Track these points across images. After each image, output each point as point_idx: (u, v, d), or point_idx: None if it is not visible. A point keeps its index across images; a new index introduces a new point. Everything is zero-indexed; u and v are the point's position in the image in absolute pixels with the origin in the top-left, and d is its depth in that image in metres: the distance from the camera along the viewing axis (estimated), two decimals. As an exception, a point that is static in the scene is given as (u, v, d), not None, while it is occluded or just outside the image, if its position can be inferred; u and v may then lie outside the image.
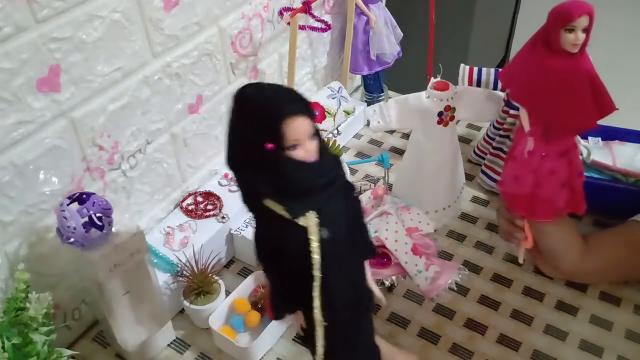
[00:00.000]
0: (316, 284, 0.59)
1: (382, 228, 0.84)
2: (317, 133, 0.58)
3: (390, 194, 1.05)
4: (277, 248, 0.60)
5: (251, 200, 0.60)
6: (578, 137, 0.89)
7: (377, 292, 0.69)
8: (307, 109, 0.57)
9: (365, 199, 0.92)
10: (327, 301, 0.61)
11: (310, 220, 0.58)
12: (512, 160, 0.83)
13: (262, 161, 0.56)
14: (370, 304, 0.68)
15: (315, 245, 0.58)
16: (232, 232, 0.96)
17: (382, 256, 0.83)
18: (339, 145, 1.10)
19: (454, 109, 0.93)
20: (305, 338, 0.66)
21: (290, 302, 0.64)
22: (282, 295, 0.64)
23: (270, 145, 0.55)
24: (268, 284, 0.66)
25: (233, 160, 0.60)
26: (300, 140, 0.56)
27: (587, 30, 0.72)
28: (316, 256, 0.58)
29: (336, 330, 0.63)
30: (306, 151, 0.57)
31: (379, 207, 0.89)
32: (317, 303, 0.60)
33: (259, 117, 0.57)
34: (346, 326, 0.65)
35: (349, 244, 0.62)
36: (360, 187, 1.01)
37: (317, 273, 0.59)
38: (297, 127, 0.55)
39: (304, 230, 0.58)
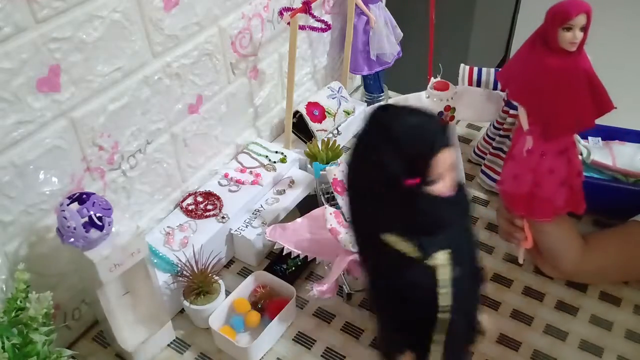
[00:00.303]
0: (442, 327, 0.53)
1: None
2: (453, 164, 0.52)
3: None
4: (395, 289, 0.54)
5: (366, 233, 0.55)
6: (577, 136, 0.89)
7: (485, 322, 0.62)
8: (450, 138, 0.51)
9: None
10: (450, 343, 0.55)
11: (439, 260, 0.51)
12: (511, 160, 0.83)
13: (395, 195, 0.50)
14: (475, 336, 0.61)
15: (445, 288, 0.51)
16: (232, 232, 0.96)
17: None
18: (338, 145, 1.09)
19: (454, 109, 0.93)
20: None
21: (403, 342, 0.57)
22: (394, 336, 0.58)
23: (411, 181, 0.49)
24: (377, 323, 0.60)
25: (358, 188, 0.54)
26: (443, 174, 0.50)
27: (584, 29, 0.72)
28: (447, 299, 0.52)
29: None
30: (445, 185, 0.51)
31: None
32: (438, 347, 0.54)
33: (406, 148, 0.49)
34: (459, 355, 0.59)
35: (472, 277, 0.56)
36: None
37: (445, 316, 0.52)
38: (445, 161, 0.50)
39: (431, 270, 0.51)
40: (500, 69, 0.86)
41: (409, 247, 0.51)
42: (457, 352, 0.59)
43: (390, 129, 0.50)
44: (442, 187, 0.51)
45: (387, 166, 0.50)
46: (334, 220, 0.86)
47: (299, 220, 0.91)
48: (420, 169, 0.49)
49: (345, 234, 0.83)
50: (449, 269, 0.52)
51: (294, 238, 0.89)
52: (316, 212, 0.91)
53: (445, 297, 0.52)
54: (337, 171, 0.93)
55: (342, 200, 0.91)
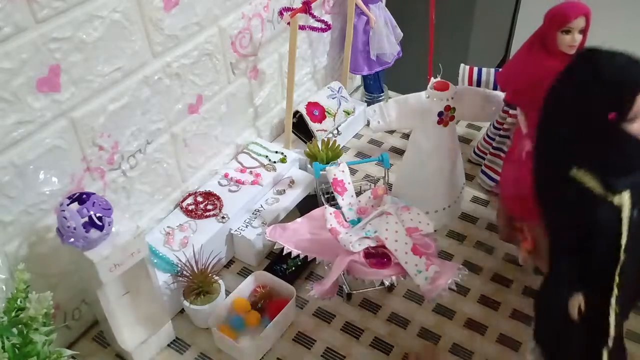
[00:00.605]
0: (618, 267, 0.54)
1: (382, 228, 0.84)
2: None
3: (390, 194, 1.05)
4: (583, 226, 0.55)
5: (555, 168, 0.57)
6: None
7: None
8: None
9: (365, 199, 0.93)
10: (624, 285, 0.55)
11: (624, 199, 0.53)
12: (510, 162, 0.82)
13: (597, 130, 0.53)
14: None
15: (626, 225, 0.53)
16: (232, 232, 0.96)
17: (382, 256, 0.83)
18: (338, 145, 1.10)
19: (454, 109, 0.93)
20: (570, 330, 0.59)
21: (577, 284, 0.58)
22: (566, 277, 0.59)
23: (613, 116, 0.52)
24: (548, 263, 0.61)
25: (554, 122, 0.56)
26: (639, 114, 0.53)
27: (583, 32, 0.72)
28: (625, 236, 0.53)
29: (622, 320, 0.58)
30: None
31: (379, 207, 0.89)
32: (615, 287, 0.55)
33: (612, 85, 0.53)
34: (625, 316, 0.60)
35: None
36: (361, 187, 1.01)
37: (622, 255, 0.54)
38: None
39: (616, 209, 0.53)
40: (499, 70, 0.86)
41: (596, 183, 0.53)
42: (628, 301, 0.59)
43: (599, 66, 0.54)
44: (638, 127, 0.53)
45: (592, 100, 0.53)
46: (334, 220, 0.85)
47: (299, 220, 0.91)
48: (623, 105, 0.52)
49: (345, 234, 0.83)
50: (629, 208, 0.53)
51: (294, 238, 0.89)
52: (316, 212, 0.90)
53: (625, 234, 0.54)
54: (337, 171, 0.93)
55: (342, 200, 0.91)
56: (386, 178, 0.97)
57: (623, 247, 0.54)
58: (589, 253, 0.56)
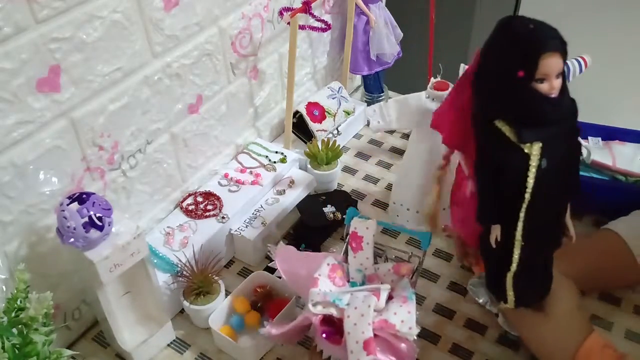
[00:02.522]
0: (524, 206, 0.66)
1: (354, 304, 0.72)
2: (562, 73, 0.63)
3: (391, 194, 1.05)
4: (497, 165, 0.66)
5: (483, 116, 0.67)
6: None
7: (571, 229, 0.73)
8: (563, 49, 0.62)
9: (384, 270, 0.81)
10: (529, 223, 0.67)
11: (534, 149, 0.64)
12: (456, 206, 0.83)
13: (509, 86, 0.63)
14: (560, 239, 0.73)
15: (533, 171, 0.64)
16: (232, 232, 0.96)
17: (339, 332, 0.72)
18: (338, 145, 1.10)
19: (454, 109, 0.93)
20: (489, 254, 0.74)
21: (496, 215, 0.69)
22: (491, 205, 0.70)
23: (521, 74, 0.61)
24: (478, 192, 0.72)
25: (481, 77, 0.67)
26: (549, 76, 0.61)
27: None
28: (531, 181, 0.64)
29: (530, 256, 0.70)
30: (551, 87, 0.62)
31: (391, 282, 0.79)
32: (520, 223, 0.67)
33: (520, 47, 0.62)
34: (539, 253, 0.71)
35: (562, 180, 0.67)
36: (386, 255, 0.85)
37: (527, 196, 0.65)
38: (551, 63, 0.61)
39: (526, 156, 0.64)
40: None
41: (512, 133, 0.64)
42: (538, 244, 0.70)
43: (511, 29, 0.64)
44: (547, 87, 0.62)
45: (505, 59, 0.63)
46: (325, 271, 0.78)
47: (312, 253, 0.85)
48: (528, 65, 0.61)
49: (319, 291, 0.74)
50: (537, 157, 0.64)
51: (288, 266, 0.82)
52: (321, 255, 0.83)
53: (531, 179, 0.64)
54: (360, 225, 0.81)
55: (353, 257, 0.81)
56: (421, 259, 0.81)
57: (528, 189, 0.64)
58: (502, 191, 0.67)
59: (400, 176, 1.03)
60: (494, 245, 0.71)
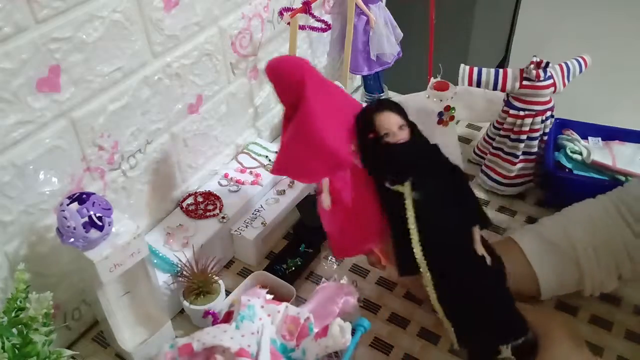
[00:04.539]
0: (414, 238, 0.71)
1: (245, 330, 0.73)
2: (410, 124, 0.75)
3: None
4: (388, 216, 0.74)
5: (376, 180, 0.76)
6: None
7: (488, 259, 0.72)
8: (395, 107, 0.75)
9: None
10: (429, 255, 0.71)
11: (405, 188, 0.71)
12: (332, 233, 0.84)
13: (370, 147, 0.75)
14: (481, 269, 0.71)
15: (408, 203, 0.71)
16: (232, 232, 0.96)
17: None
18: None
19: (454, 109, 0.93)
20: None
21: (409, 261, 0.72)
22: (402, 254, 0.73)
23: (371, 135, 0.74)
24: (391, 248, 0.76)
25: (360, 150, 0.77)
26: (390, 130, 0.73)
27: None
28: (409, 212, 0.71)
29: (449, 291, 0.72)
30: (396, 139, 0.73)
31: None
32: (416, 249, 0.71)
33: (363, 117, 0.76)
34: (458, 287, 0.71)
35: (451, 211, 0.72)
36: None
37: (411, 226, 0.71)
38: (387, 121, 0.74)
39: (401, 195, 0.71)
40: (500, 69, 0.84)
41: (385, 182, 0.73)
42: (448, 275, 0.72)
43: (365, 109, 0.78)
44: (392, 138, 0.73)
45: (362, 129, 0.76)
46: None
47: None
48: (372, 126, 0.74)
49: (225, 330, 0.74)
50: (409, 192, 0.71)
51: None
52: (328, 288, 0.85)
53: (408, 211, 0.71)
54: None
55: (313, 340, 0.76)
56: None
57: (411, 220, 0.71)
58: (393, 229, 0.74)
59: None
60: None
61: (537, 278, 0.82)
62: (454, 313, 0.72)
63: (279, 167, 0.82)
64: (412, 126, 0.75)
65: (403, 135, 0.73)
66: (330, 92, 0.80)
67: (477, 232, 0.71)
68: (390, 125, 0.73)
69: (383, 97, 0.82)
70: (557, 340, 0.71)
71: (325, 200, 0.78)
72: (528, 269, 0.82)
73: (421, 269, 0.71)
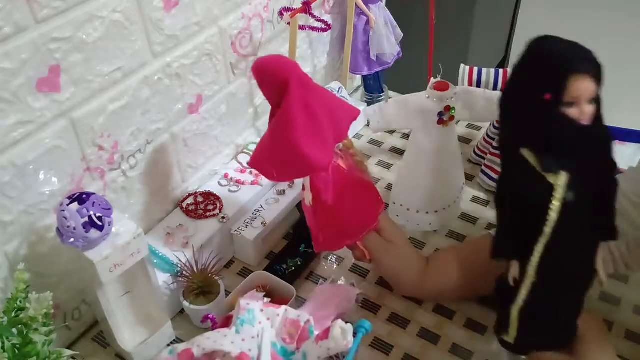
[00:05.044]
0: (542, 241, 0.60)
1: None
2: (597, 100, 0.58)
3: (391, 195, 1.05)
4: (518, 195, 0.61)
5: (509, 145, 0.63)
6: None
7: (602, 274, 0.66)
8: (597, 72, 0.57)
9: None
10: (546, 261, 0.61)
11: (559, 179, 0.59)
12: (317, 226, 0.84)
13: (535, 110, 0.58)
14: (588, 283, 0.66)
15: (556, 204, 0.59)
16: (232, 232, 0.96)
17: None
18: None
19: (454, 109, 0.93)
20: (503, 292, 0.67)
21: (514, 248, 0.64)
22: (508, 239, 0.65)
23: (548, 97, 0.56)
24: (497, 224, 0.68)
25: (506, 102, 0.63)
26: (579, 100, 0.56)
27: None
28: (554, 215, 0.59)
29: (543, 295, 0.64)
30: (581, 112, 0.57)
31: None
32: (535, 257, 0.61)
33: (547, 67, 0.57)
34: (554, 295, 0.64)
35: (591, 218, 0.62)
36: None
37: (547, 230, 0.60)
38: (581, 86, 0.56)
39: (550, 187, 0.59)
40: (500, 69, 0.85)
41: (537, 161, 0.59)
42: (555, 285, 0.64)
43: (541, 50, 0.59)
44: (576, 112, 0.57)
45: (531, 80, 0.59)
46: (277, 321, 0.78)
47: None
48: (556, 86, 0.56)
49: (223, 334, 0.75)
50: (562, 189, 0.58)
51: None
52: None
53: (554, 213, 0.59)
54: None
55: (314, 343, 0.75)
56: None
57: (550, 223, 0.60)
58: (521, 224, 0.62)
59: (400, 176, 1.03)
60: (511, 284, 0.66)
61: None
62: (534, 315, 0.67)
63: (254, 161, 0.81)
64: (598, 101, 0.58)
65: (589, 113, 0.57)
66: (317, 95, 0.77)
67: (602, 248, 0.65)
68: (584, 95, 0.56)
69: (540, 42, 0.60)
70: (598, 348, 0.70)
71: (307, 197, 0.79)
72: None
73: (529, 270, 0.63)
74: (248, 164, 0.82)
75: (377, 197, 0.86)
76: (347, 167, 0.83)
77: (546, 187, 0.59)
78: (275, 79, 0.74)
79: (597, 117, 0.58)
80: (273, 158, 0.77)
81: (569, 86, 0.55)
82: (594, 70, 0.57)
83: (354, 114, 0.81)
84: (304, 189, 0.81)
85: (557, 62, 0.57)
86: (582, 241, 0.63)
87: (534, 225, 0.61)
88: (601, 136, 0.60)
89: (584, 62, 0.56)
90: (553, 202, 0.59)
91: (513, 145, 0.62)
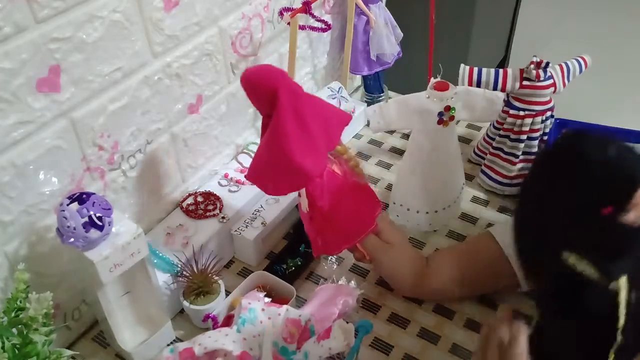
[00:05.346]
0: (615, 348, 0.55)
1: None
2: None
3: (390, 195, 1.05)
4: (570, 308, 0.56)
5: (542, 250, 0.57)
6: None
7: None
8: None
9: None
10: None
11: (621, 283, 0.53)
12: (317, 232, 0.85)
13: (587, 222, 0.53)
14: None
15: (622, 309, 0.54)
16: (232, 232, 0.96)
17: None
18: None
19: (454, 109, 0.93)
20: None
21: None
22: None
23: (608, 210, 0.52)
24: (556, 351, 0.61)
25: (537, 214, 0.57)
26: (637, 205, 0.52)
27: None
28: (622, 319, 0.54)
29: None
30: (638, 216, 0.53)
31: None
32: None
33: (607, 180, 0.52)
34: None
35: None
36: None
37: (620, 337, 0.54)
38: None
39: (612, 293, 0.53)
40: (500, 69, 0.84)
41: (591, 269, 0.53)
42: None
43: (590, 159, 0.53)
44: (633, 217, 0.52)
45: (584, 194, 0.53)
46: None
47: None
48: (620, 200, 0.51)
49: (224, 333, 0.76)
50: (626, 292, 0.53)
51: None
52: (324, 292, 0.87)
53: (621, 317, 0.54)
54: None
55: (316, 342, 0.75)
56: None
57: (620, 329, 0.54)
58: (585, 335, 0.56)
59: (400, 176, 1.03)
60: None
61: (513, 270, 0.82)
62: None
63: (251, 174, 0.82)
64: None
65: None
66: (307, 102, 0.77)
67: None
68: None
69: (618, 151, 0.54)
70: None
71: (303, 204, 0.80)
72: (503, 259, 0.83)
73: None
74: (245, 177, 0.82)
75: (374, 199, 0.86)
76: (342, 172, 0.83)
77: (608, 294, 0.54)
78: (264, 89, 0.74)
79: None
80: (267, 170, 0.77)
81: (634, 197, 0.52)
82: None
83: (345, 119, 0.81)
84: (300, 195, 0.81)
85: (621, 177, 0.52)
86: None
87: (600, 335, 0.55)
88: None
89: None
90: (619, 307, 0.54)
91: (551, 251, 0.56)
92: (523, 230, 0.59)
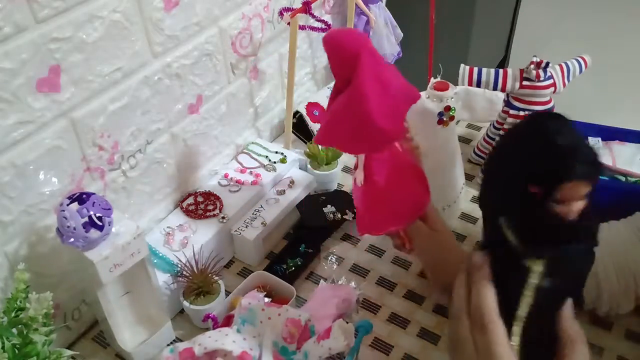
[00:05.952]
0: (518, 325, 0.57)
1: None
2: (589, 195, 0.54)
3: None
4: (496, 270, 0.59)
5: (487, 210, 0.62)
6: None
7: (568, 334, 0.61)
8: (596, 174, 0.54)
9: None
10: (525, 341, 0.58)
11: (536, 266, 0.55)
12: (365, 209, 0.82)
13: (518, 195, 0.55)
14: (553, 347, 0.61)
15: (530, 290, 0.56)
16: (232, 232, 0.96)
17: None
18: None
19: (454, 109, 0.93)
20: None
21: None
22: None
23: (535, 190, 0.53)
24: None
25: (492, 168, 0.60)
26: (571, 200, 0.54)
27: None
28: (528, 299, 0.56)
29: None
30: (569, 211, 0.54)
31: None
32: (516, 339, 0.57)
33: (543, 162, 0.53)
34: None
35: (563, 297, 0.59)
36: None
37: (522, 313, 0.57)
38: (575, 191, 0.53)
39: (526, 270, 0.55)
40: (499, 69, 0.84)
41: (515, 239, 0.56)
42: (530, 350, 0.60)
43: (538, 137, 0.54)
44: (564, 210, 0.54)
45: (520, 166, 0.55)
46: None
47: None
48: (549, 187, 0.52)
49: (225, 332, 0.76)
50: (539, 275, 0.55)
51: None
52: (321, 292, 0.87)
53: (526, 298, 0.56)
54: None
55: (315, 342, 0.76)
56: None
57: (523, 308, 0.56)
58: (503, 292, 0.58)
59: (400, 176, 1.03)
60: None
61: None
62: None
63: (324, 138, 0.78)
64: (589, 196, 0.55)
65: (577, 210, 0.54)
66: (387, 70, 0.76)
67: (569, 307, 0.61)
68: (576, 196, 0.54)
69: (583, 146, 0.54)
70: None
71: (359, 177, 0.77)
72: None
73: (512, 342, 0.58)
74: (315, 141, 0.80)
75: (427, 185, 0.83)
76: (403, 151, 0.82)
77: (522, 269, 0.56)
78: (347, 52, 0.72)
79: (585, 211, 0.55)
80: (345, 132, 0.75)
81: (563, 188, 0.53)
82: (594, 175, 0.54)
83: (414, 96, 0.79)
84: (356, 167, 0.79)
85: (555, 164, 0.53)
86: (550, 316, 0.60)
87: (509, 304, 0.58)
88: (584, 230, 0.57)
89: (585, 167, 0.53)
90: (527, 287, 0.56)
91: (492, 213, 0.59)
92: (481, 190, 0.63)
